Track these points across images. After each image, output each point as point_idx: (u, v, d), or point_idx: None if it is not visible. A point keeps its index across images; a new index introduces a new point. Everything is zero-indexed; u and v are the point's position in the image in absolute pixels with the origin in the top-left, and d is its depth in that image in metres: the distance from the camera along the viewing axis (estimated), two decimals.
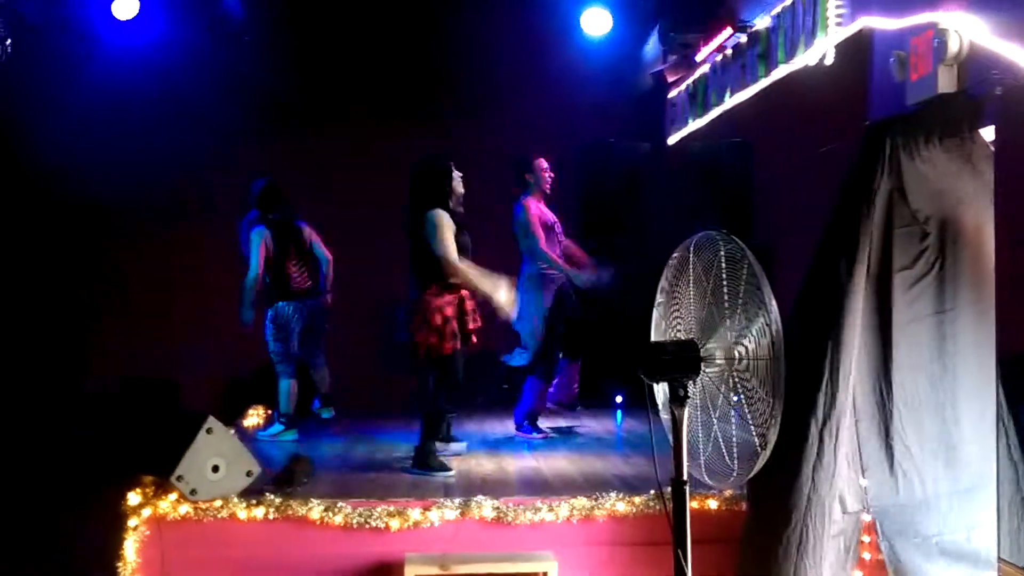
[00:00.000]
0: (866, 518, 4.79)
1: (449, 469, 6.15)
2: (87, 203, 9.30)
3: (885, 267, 4.79)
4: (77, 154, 8.95)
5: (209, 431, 5.28)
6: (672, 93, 9.09)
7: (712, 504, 5.27)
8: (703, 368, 3.94)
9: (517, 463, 6.44)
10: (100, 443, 8.09)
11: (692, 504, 5.18)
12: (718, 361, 3.98)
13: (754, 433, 3.96)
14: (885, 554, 4.75)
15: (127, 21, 8.67)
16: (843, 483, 4.74)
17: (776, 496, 4.80)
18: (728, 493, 5.24)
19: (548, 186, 7.69)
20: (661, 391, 4.13)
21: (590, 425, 8.00)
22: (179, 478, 5.15)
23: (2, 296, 9.18)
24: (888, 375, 4.79)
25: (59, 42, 8.61)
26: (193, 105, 9.33)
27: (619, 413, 8.61)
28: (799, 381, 4.81)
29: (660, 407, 4.21)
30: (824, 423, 4.70)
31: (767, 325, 3.81)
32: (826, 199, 5.18)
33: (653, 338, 4.38)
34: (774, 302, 3.80)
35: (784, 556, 4.63)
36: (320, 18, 9.42)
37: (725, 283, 3.98)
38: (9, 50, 4.98)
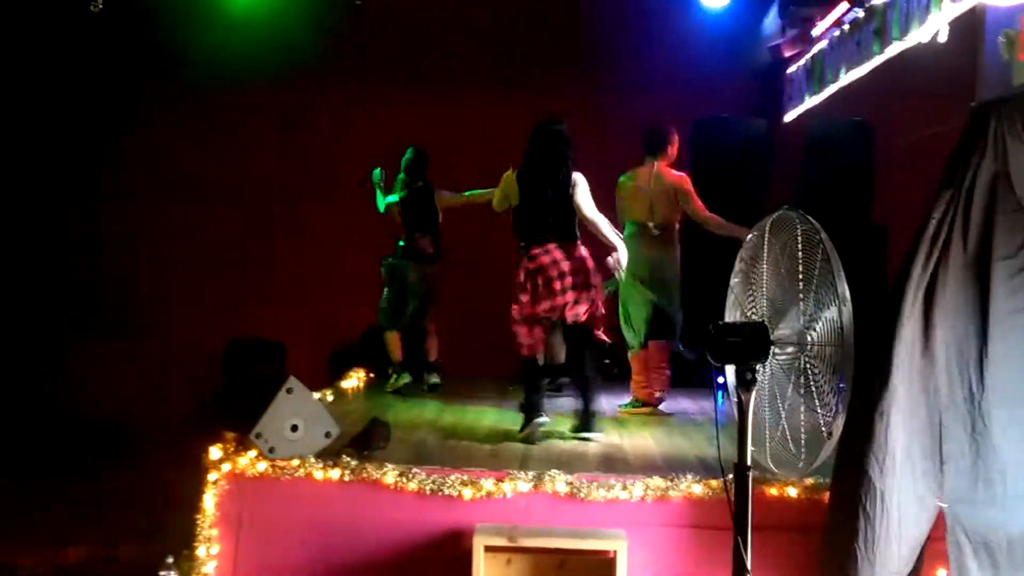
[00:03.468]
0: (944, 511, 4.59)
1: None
2: (198, 169, 9.55)
3: (985, 254, 4.57)
4: (183, 121, 9.19)
5: (289, 391, 5.33)
6: (791, 69, 8.84)
7: (792, 492, 5.10)
8: (773, 352, 3.82)
9: (600, 439, 6.35)
10: (205, 401, 8.31)
11: (771, 491, 5.08)
12: (788, 346, 3.87)
13: (821, 421, 3.84)
14: (950, 550, 4.54)
15: None
16: (910, 475, 4.55)
17: (841, 486, 4.65)
18: (809, 481, 5.07)
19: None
20: (730, 374, 4.04)
21: (686, 405, 7.85)
22: (258, 435, 5.23)
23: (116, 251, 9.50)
24: (981, 366, 4.56)
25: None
26: (308, 71, 9.47)
27: (719, 394, 8.43)
28: (866, 367, 4.65)
29: (730, 390, 4.11)
30: (877, 410, 4.51)
31: (839, 311, 3.68)
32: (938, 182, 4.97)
33: (727, 317, 4.28)
34: (846, 287, 3.67)
35: (850, 546, 4.47)
36: None
37: (800, 265, 3.86)
38: (102, 4, 5.07)
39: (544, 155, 6.44)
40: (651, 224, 7.49)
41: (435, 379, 8.16)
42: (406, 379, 8.08)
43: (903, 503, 4.45)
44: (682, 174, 7.62)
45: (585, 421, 6.38)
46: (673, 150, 7.67)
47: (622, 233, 7.43)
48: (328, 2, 9.19)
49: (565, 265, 6.27)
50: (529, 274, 6.31)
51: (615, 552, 4.96)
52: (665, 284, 7.56)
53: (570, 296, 6.26)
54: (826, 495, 5.05)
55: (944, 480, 4.53)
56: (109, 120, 9.58)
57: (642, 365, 7.57)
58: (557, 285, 6.25)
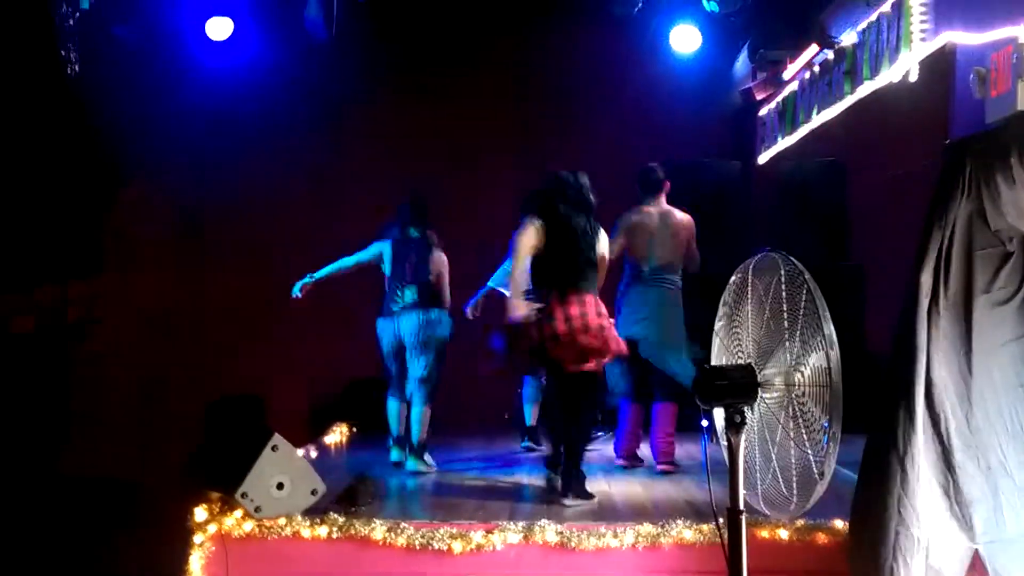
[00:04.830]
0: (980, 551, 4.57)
1: (593, 496, 6.04)
2: (181, 220, 9.51)
3: (968, 292, 4.60)
4: (168, 173, 9.17)
5: (274, 448, 5.30)
6: (762, 111, 8.94)
7: (783, 534, 5.09)
8: (760, 394, 3.82)
9: (588, 487, 6.30)
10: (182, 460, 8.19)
11: (762, 534, 5.08)
12: (776, 387, 3.85)
13: (812, 461, 3.82)
14: None
15: (221, 41, 8.84)
16: (941, 516, 4.54)
17: (868, 531, 4.62)
18: (800, 523, 5.07)
19: None
20: (719, 417, 4.02)
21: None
22: (244, 495, 5.18)
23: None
24: (984, 402, 4.58)
25: (154, 63, 8.82)
26: (285, 124, 9.48)
27: (704, 438, 8.40)
28: (885, 410, 4.65)
29: (719, 433, 4.09)
30: (904, 453, 4.51)
31: (825, 350, 3.67)
32: (917, 219, 5.02)
33: (713, 361, 4.27)
34: (832, 328, 3.66)
35: None
36: (405, 36, 9.49)
37: (785, 305, 3.86)
38: (78, 68, 5.11)
39: (577, 205, 6.29)
40: (662, 264, 7.21)
41: (420, 466, 7.10)
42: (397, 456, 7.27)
43: (939, 548, 4.44)
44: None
45: (567, 485, 6.02)
46: (667, 188, 7.47)
47: (629, 274, 7.26)
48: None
49: (592, 319, 6.11)
50: (543, 325, 6.07)
51: None
52: (675, 328, 7.20)
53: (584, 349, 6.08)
54: (818, 536, 5.08)
55: (973, 521, 4.52)
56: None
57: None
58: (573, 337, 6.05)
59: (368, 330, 7.54)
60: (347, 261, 7.50)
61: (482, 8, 9.47)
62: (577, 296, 6.10)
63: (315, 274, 7.47)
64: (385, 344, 7.33)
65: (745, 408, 3.70)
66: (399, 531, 5.15)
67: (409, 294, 7.29)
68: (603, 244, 6.38)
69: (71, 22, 4.92)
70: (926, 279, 4.60)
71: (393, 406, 7.36)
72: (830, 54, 6.99)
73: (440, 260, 7.41)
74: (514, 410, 8.15)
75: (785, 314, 3.83)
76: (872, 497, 4.60)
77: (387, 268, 7.41)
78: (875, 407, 4.64)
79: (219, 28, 8.75)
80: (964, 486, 4.51)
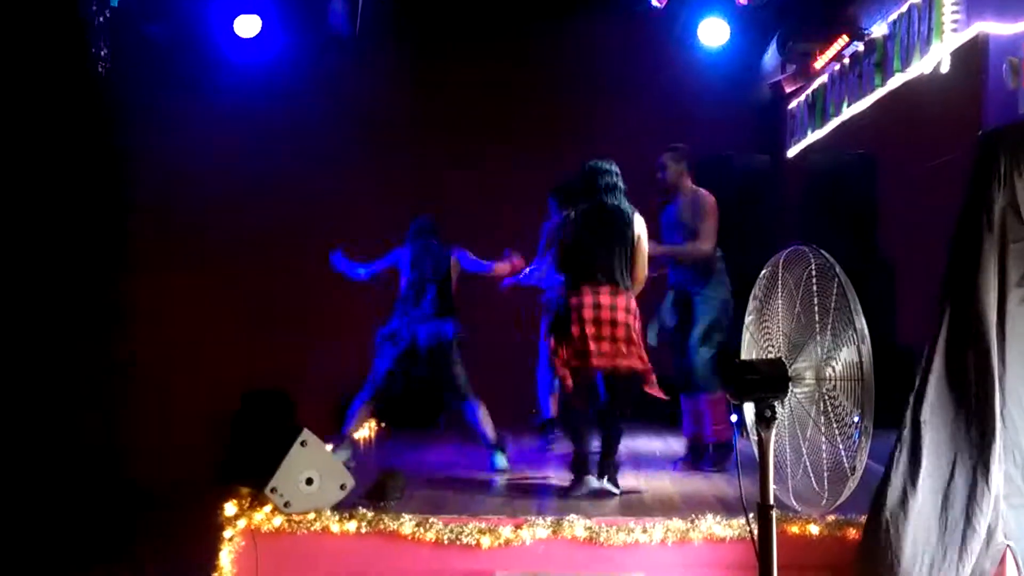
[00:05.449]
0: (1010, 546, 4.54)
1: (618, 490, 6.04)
2: (210, 217, 9.54)
3: (1002, 285, 4.55)
4: (196, 171, 9.19)
5: (303, 444, 5.30)
6: (792, 104, 8.88)
7: (814, 529, 5.06)
8: (791, 388, 3.79)
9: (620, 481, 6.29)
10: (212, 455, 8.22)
11: (792, 529, 5.04)
12: (807, 381, 3.83)
13: (844, 457, 3.80)
14: None
15: (248, 39, 8.88)
16: (972, 511, 4.50)
17: (915, 524, 4.55)
18: (831, 518, 5.03)
19: None
20: (749, 411, 4.00)
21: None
22: (273, 490, 5.19)
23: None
24: (1017, 395, 4.53)
25: (184, 59, 8.87)
26: (311, 119, 9.50)
27: (734, 433, 8.37)
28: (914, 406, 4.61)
29: (749, 428, 4.07)
30: (980, 452, 4.46)
31: (857, 344, 3.65)
32: (950, 212, 4.98)
33: (743, 356, 4.25)
34: (864, 322, 3.63)
35: None
36: (431, 32, 9.49)
37: (816, 300, 3.83)
38: (108, 64, 5.15)
39: (607, 196, 6.23)
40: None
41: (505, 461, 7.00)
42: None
43: (969, 545, 4.40)
44: None
45: (605, 470, 6.07)
46: None
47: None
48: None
49: (620, 314, 6.03)
50: (579, 318, 6.02)
51: None
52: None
53: (622, 346, 5.99)
54: (849, 531, 5.03)
55: (1005, 516, 4.48)
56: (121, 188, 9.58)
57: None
58: (607, 331, 5.99)
59: None
60: (367, 269, 7.48)
61: (508, 3, 9.46)
62: (589, 287, 6.06)
63: (344, 267, 7.50)
64: (398, 347, 7.20)
65: (775, 403, 3.67)
66: (428, 526, 5.15)
67: (430, 294, 7.26)
68: (639, 229, 6.23)
69: (101, 20, 4.96)
70: (961, 273, 4.55)
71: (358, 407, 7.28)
72: (860, 46, 6.94)
73: (457, 263, 7.37)
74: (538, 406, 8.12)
75: (816, 308, 3.81)
76: (897, 490, 4.56)
77: (406, 270, 7.34)
78: (903, 402, 4.60)
79: (247, 25, 8.82)
80: (996, 481, 4.47)
